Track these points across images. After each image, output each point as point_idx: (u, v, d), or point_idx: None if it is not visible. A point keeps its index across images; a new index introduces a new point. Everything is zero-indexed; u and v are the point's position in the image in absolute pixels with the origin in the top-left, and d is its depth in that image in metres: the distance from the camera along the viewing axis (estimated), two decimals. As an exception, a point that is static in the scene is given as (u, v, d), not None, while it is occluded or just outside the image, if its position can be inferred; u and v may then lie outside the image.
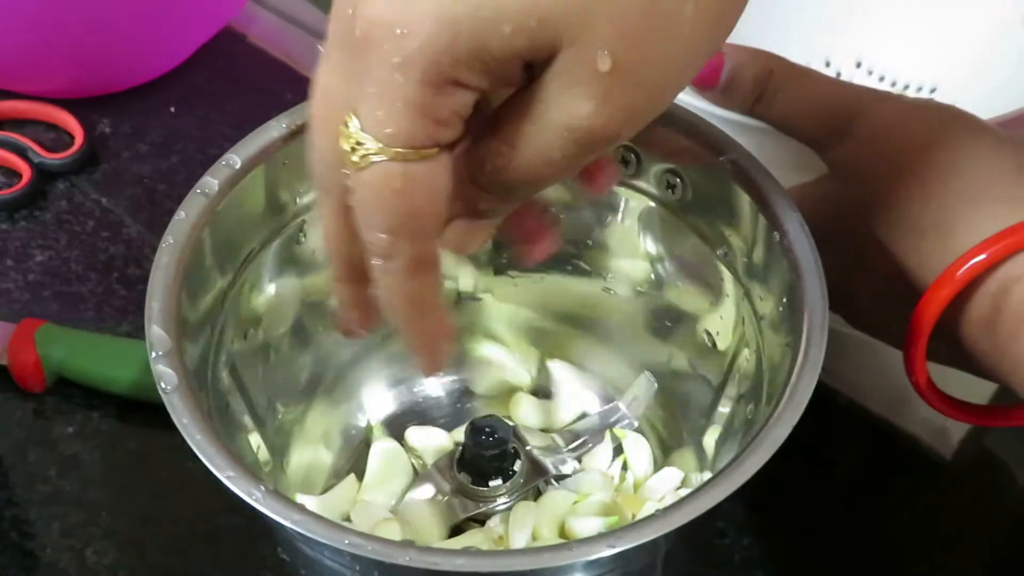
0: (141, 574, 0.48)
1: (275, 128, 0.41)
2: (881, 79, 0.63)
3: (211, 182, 0.39)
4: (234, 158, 0.39)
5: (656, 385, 0.47)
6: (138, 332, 0.55)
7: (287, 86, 0.66)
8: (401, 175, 0.28)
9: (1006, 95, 0.56)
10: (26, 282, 0.58)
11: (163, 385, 0.34)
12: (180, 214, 0.38)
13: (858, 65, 0.63)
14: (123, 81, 0.65)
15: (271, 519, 0.32)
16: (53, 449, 0.52)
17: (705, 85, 0.43)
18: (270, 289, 0.43)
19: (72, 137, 0.63)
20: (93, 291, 0.58)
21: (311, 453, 0.47)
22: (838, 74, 0.64)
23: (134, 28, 0.61)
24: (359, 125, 0.28)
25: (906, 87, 0.62)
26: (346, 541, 0.31)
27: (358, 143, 0.28)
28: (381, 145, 0.28)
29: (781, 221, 0.38)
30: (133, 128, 0.65)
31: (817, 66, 0.58)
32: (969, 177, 0.38)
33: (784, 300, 0.38)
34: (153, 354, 0.35)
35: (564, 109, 0.28)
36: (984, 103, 0.58)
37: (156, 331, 0.35)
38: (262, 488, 0.32)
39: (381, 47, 0.27)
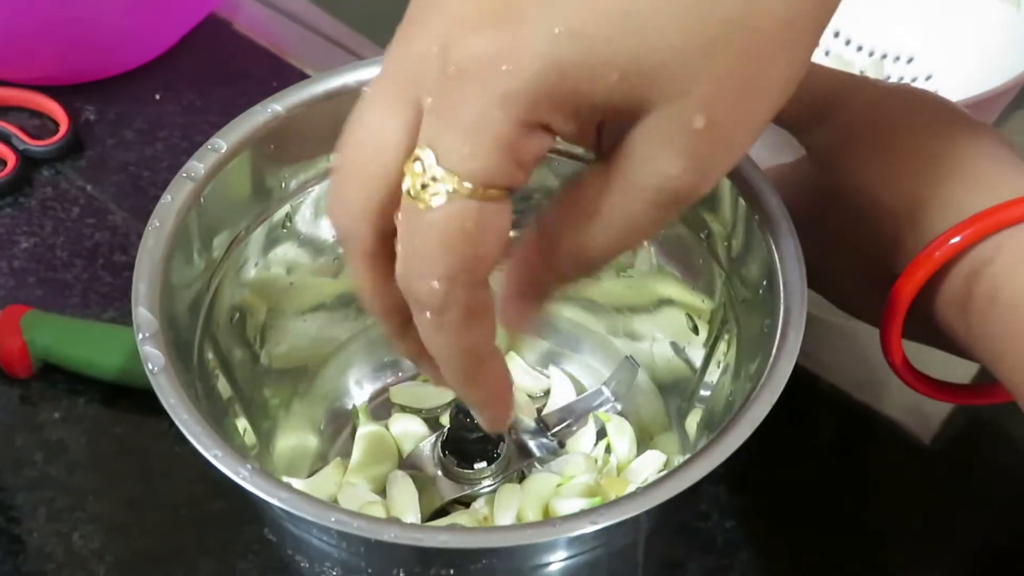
0: (127, 559, 0.48)
1: (261, 112, 0.41)
2: (859, 49, 0.64)
3: (197, 166, 0.39)
4: (220, 142, 0.39)
5: (639, 368, 0.47)
6: (123, 319, 0.56)
7: (272, 74, 0.67)
8: (476, 213, 0.27)
9: (984, 66, 0.57)
10: (11, 269, 0.58)
11: (150, 366, 0.34)
12: (166, 197, 0.38)
13: (836, 35, 0.64)
14: (108, 68, 0.65)
15: (257, 498, 0.32)
16: (39, 434, 0.52)
17: None
18: (256, 273, 0.43)
19: (57, 124, 0.63)
20: (78, 278, 0.58)
21: (297, 437, 0.48)
22: (840, 55, 0.64)
23: (119, 15, 0.61)
24: (435, 160, 0.27)
25: (884, 56, 0.63)
26: (332, 519, 0.31)
27: (432, 179, 0.27)
28: (459, 180, 0.27)
29: (761, 205, 0.39)
30: (118, 115, 0.65)
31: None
32: (943, 162, 0.38)
33: (764, 284, 0.38)
34: (140, 335, 0.35)
35: (655, 169, 0.28)
36: (962, 74, 0.59)
37: (143, 312, 0.35)
38: (249, 467, 0.32)
39: (483, 82, 0.26)
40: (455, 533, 0.31)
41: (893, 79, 0.63)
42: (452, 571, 0.33)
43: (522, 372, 0.49)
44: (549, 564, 0.35)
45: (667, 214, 0.29)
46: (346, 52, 0.68)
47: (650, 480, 0.45)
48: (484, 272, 0.29)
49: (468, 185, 0.27)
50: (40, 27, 0.60)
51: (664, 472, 0.45)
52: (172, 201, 0.38)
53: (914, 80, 0.62)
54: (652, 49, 0.26)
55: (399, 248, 0.29)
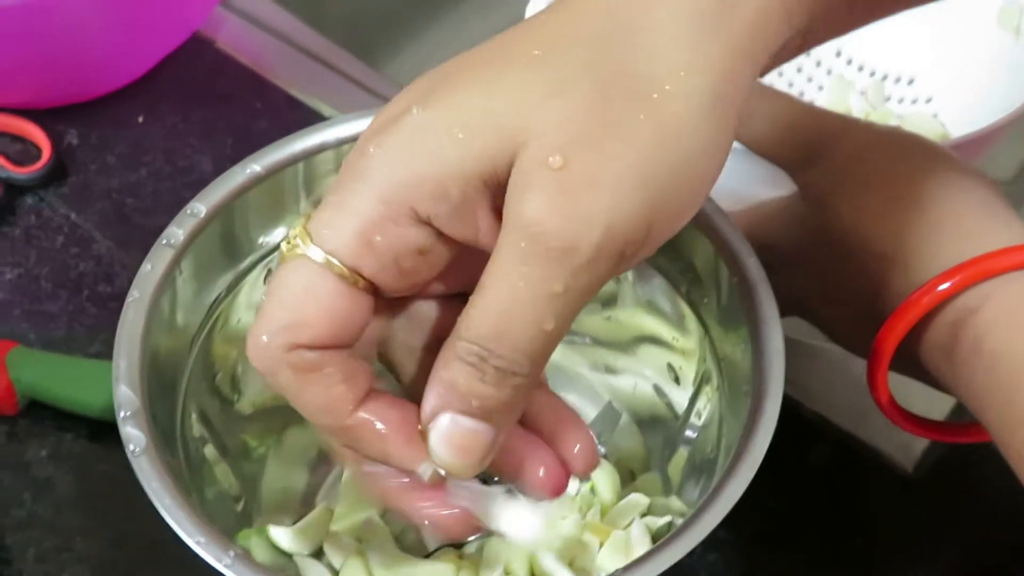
0: (116, 598, 0.49)
1: (240, 174, 0.40)
2: (860, 69, 0.64)
3: (176, 232, 0.39)
4: (199, 207, 0.39)
5: (622, 413, 0.48)
6: (109, 352, 0.55)
7: (255, 95, 0.66)
8: (311, 277, 0.29)
9: (984, 90, 0.57)
10: (-5, 300, 0.58)
11: (132, 447, 0.34)
12: (146, 267, 0.38)
13: (837, 54, 0.64)
14: (90, 91, 0.65)
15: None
16: (27, 473, 0.52)
17: None
18: (238, 332, 0.43)
19: (39, 149, 0.63)
20: (63, 309, 0.58)
21: (284, 479, 0.48)
22: (818, 63, 0.64)
23: (101, 37, 0.61)
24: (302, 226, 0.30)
25: (884, 77, 0.63)
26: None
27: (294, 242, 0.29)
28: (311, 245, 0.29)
29: (740, 267, 0.39)
30: (101, 139, 0.64)
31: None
32: (933, 209, 0.39)
33: (743, 345, 0.38)
34: (121, 414, 0.35)
35: (522, 213, 0.27)
36: (962, 96, 0.59)
37: (124, 391, 0.35)
38: (232, 553, 0.33)
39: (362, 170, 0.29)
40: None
41: (893, 100, 0.63)
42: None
43: None
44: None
45: (555, 269, 0.27)
46: (330, 69, 0.68)
47: (633, 523, 0.45)
48: (307, 338, 0.29)
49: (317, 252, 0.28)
50: (21, 51, 0.59)
51: (648, 517, 0.45)
52: (152, 270, 0.38)
53: (914, 102, 0.62)
54: (503, 106, 0.27)
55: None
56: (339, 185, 0.29)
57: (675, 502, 0.45)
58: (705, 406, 0.43)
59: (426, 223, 0.28)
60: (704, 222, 0.40)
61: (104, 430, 0.53)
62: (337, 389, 0.30)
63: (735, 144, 0.43)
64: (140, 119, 0.65)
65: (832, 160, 0.41)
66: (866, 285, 0.40)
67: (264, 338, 0.29)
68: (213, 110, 0.66)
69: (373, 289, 0.29)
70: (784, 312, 0.46)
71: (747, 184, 0.44)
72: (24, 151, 0.64)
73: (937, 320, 0.38)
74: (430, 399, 0.29)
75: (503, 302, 0.27)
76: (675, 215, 0.29)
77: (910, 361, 0.40)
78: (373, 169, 0.28)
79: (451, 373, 0.28)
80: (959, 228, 0.38)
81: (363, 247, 0.28)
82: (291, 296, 0.29)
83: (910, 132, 0.42)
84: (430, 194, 0.28)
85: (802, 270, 0.42)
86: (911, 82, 0.62)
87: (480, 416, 0.29)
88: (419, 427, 0.30)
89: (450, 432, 0.29)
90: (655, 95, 0.27)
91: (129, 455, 0.34)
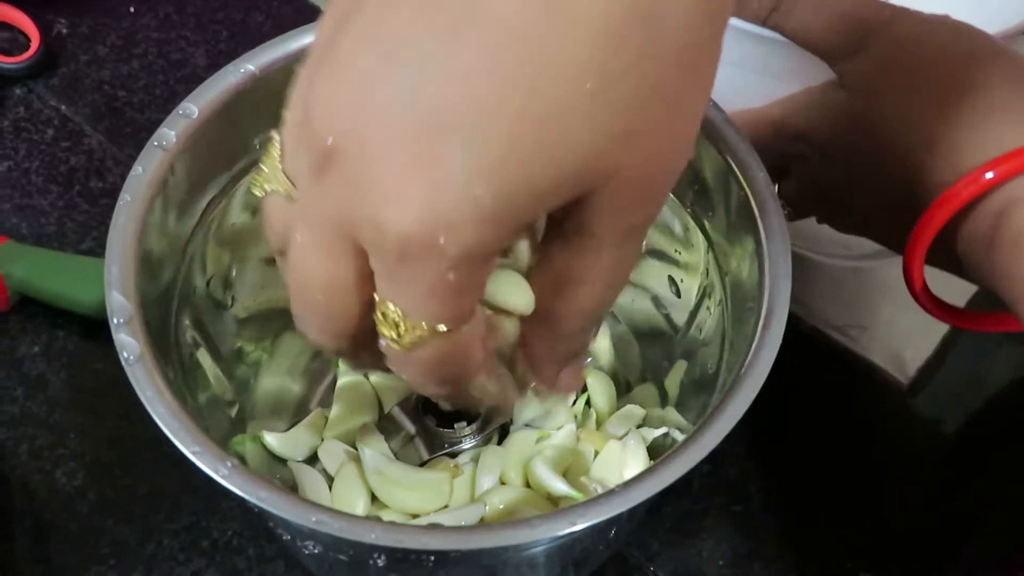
0: (111, 497, 0.49)
1: (233, 73, 0.39)
2: None
3: (168, 133, 0.38)
4: (191, 107, 0.38)
5: (621, 324, 0.47)
6: (101, 249, 0.54)
7: (250, -14, 0.65)
8: (453, 343, 0.28)
9: (972, 13, 0.55)
10: (-15, 195, 0.57)
11: (125, 354, 0.34)
12: (137, 169, 0.37)
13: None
14: (79, -23, 0.63)
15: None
16: (19, 369, 0.52)
17: None
18: (232, 235, 0.42)
19: (28, 38, 0.61)
20: (54, 204, 0.57)
21: (279, 382, 0.48)
22: None
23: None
24: (401, 314, 0.27)
25: None
26: (313, 519, 0.31)
27: (408, 328, 0.27)
28: (429, 327, 0.27)
29: (748, 180, 0.38)
30: (91, 29, 0.63)
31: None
32: (981, 96, 0.38)
33: (749, 262, 0.38)
34: (114, 321, 0.34)
35: (618, 223, 0.28)
36: (981, 8, 0.57)
37: (116, 297, 0.34)
38: (229, 463, 0.32)
39: (426, 259, 0.26)
40: (436, 535, 0.31)
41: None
42: (432, 557, 0.33)
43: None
44: (527, 550, 0.35)
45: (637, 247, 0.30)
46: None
47: (630, 434, 0.45)
48: (473, 362, 0.30)
49: (441, 328, 0.27)
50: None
51: (644, 428, 0.45)
52: (143, 173, 0.37)
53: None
54: (573, 160, 0.25)
55: (392, 368, 0.30)
56: (408, 273, 0.27)
57: (671, 414, 0.45)
58: (706, 321, 0.42)
59: None
60: (713, 133, 0.39)
61: (96, 327, 0.53)
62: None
63: (771, 36, 0.43)
64: (132, 9, 0.64)
65: (878, 47, 0.41)
66: (905, 173, 0.39)
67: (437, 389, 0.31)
68: (208, 1, 0.64)
69: None
70: (808, 211, 0.45)
71: (780, 80, 0.43)
72: (12, 40, 0.62)
73: (979, 209, 0.37)
74: None
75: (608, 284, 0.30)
76: None
77: (944, 251, 0.39)
78: (447, 255, 0.26)
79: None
80: (1007, 116, 0.38)
81: (475, 297, 0.28)
82: (448, 361, 0.29)
83: (958, 20, 0.41)
84: (507, 239, 0.27)
85: (838, 159, 0.42)
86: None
87: None
88: None
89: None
90: None
91: (123, 362, 0.34)
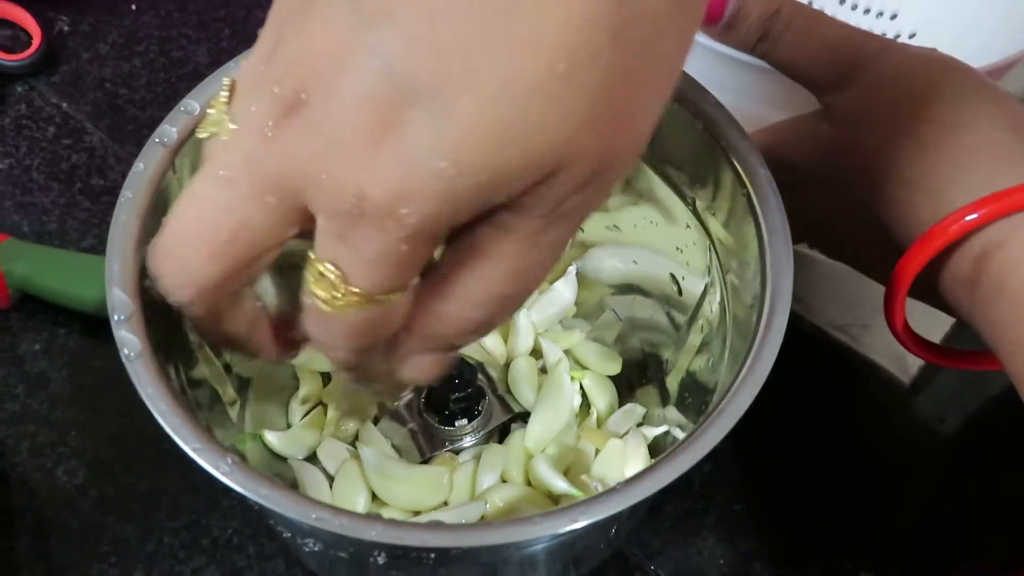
0: (111, 494, 0.49)
1: (234, 71, 0.39)
2: (841, 2, 0.62)
3: (169, 130, 0.37)
4: (192, 104, 0.38)
5: (621, 322, 0.47)
6: (102, 247, 0.54)
7: (252, -18, 0.65)
8: (382, 310, 0.28)
9: (967, 26, 0.55)
10: (-13, 192, 0.57)
11: (126, 351, 0.34)
12: (139, 166, 0.37)
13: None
14: (81, -26, 0.63)
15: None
16: (20, 367, 0.52)
17: (707, 21, 0.42)
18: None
19: (29, 36, 0.61)
20: (56, 202, 0.57)
21: (278, 383, 0.48)
22: (823, 7, 0.62)
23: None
24: (340, 276, 0.27)
25: (867, 11, 0.61)
26: (313, 516, 0.31)
27: (344, 292, 0.27)
28: (365, 291, 0.27)
29: (750, 178, 0.38)
30: (93, 27, 0.63)
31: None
32: (965, 134, 0.38)
33: (749, 259, 0.38)
34: (115, 317, 0.34)
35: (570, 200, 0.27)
36: (946, 33, 0.57)
37: (117, 294, 0.34)
38: (229, 460, 0.32)
39: (382, 226, 0.25)
40: (436, 532, 0.31)
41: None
42: (432, 554, 0.33)
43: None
44: (528, 548, 0.35)
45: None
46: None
47: (630, 433, 0.45)
48: (391, 332, 0.30)
49: (378, 297, 0.27)
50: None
51: (644, 427, 0.45)
52: (144, 169, 0.37)
53: (897, 37, 0.60)
54: (539, 142, 0.25)
55: (309, 328, 0.30)
56: (362, 233, 0.27)
57: (672, 412, 0.45)
58: (708, 319, 0.42)
59: None
60: (715, 132, 0.39)
61: (97, 325, 0.53)
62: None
63: (758, 64, 0.43)
64: (133, 6, 0.64)
65: (865, 80, 0.40)
66: (888, 209, 0.39)
67: (345, 354, 0.30)
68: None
69: None
70: (798, 237, 0.45)
71: (767, 108, 0.43)
72: (14, 37, 0.62)
73: (961, 251, 0.37)
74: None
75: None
76: None
77: (926, 288, 0.39)
78: (405, 224, 0.26)
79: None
80: (992, 157, 0.37)
81: (415, 271, 0.28)
82: (371, 326, 0.29)
83: (945, 55, 0.41)
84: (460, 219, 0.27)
85: (822, 190, 0.42)
86: (894, 17, 0.61)
87: None
88: None
89: None
90: None
91: (124, 359, 0.34)
